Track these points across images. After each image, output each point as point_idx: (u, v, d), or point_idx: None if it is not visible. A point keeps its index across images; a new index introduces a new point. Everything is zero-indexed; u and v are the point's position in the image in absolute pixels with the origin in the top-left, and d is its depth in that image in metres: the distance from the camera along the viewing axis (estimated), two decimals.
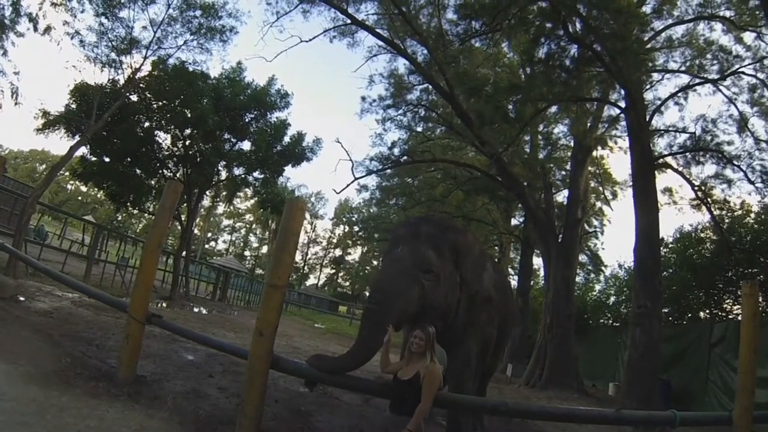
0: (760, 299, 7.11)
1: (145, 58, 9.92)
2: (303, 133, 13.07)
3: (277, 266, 3.34)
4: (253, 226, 45.51)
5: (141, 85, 10.35)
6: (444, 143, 13.56)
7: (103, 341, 4.69)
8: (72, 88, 9.63)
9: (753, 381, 3.34)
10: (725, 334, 6.88)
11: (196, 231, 36.47)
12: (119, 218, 28.28)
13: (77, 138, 9.11)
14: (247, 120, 12.17)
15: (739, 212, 9.03)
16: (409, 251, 3.29)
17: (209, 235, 48.29)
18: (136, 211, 15.29)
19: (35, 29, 8.85)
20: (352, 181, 10.46)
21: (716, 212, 8.68)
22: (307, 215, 45.95)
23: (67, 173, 12.25)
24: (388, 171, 14.37)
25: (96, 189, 14.55)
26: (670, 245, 9.73)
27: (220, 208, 40.59)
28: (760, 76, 8.18)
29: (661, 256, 8.50)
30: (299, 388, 4.65)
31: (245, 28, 26.72)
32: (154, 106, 10.69)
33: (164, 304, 9.50)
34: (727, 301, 8.37)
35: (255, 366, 3.15)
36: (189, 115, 10.49)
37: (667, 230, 23.72)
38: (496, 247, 17.27)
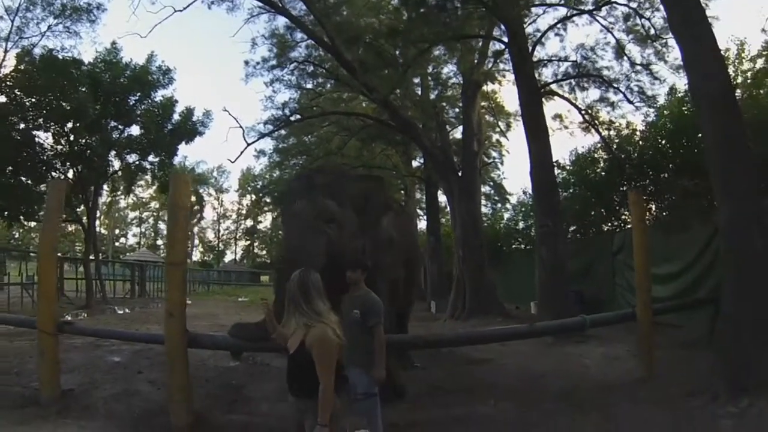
0: (653, 206, 8.09)
1: (6, 51, 8.61)
2: (192, 108, 12.66)
3: (173, 243, 3.47)
4: (160, 212, 42.42)
5: (8, 82, 9.14)
6: (335, 97, 13.54)
7: (22, 366, 4.57)
8: None
9: (649, 278, 3.91)
10: (624, 241, 7.47)
11: (102, 230, 33.29)
12: (16, 236, 24.96)
13: None
14: (131, 103, 11.38)
15: (627, 132, 9.78)
16: (309, 203, 3.33)
17: (117, 232, 44.74)
18: (33, 224, 13.99)
19: None
20: (246, 148, 10.39)
21: (604, 133, 9.50)
22: (212, 191, 43.99)
23: None
24: (283, 133, 14.27)
25: None
26: (568, 167, 10.50)
27: (122, 202, 37.44)
28: (632, 5, 8.76)
29: (560, 178, 9.55)
30: (228, 363, 4.93)
31: (114, 4, 23.16)
32: (27, 103, 9.53)
33: (84, 314, 8.98)
34: (624, 212, 9.02)
35: (172, 348, 3.23)
36: (67, 108, 9.51)
37: (563, 153, 26.37)
38: (402, 191, 17.81)
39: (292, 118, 11.92)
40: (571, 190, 9.94)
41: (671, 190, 7.48)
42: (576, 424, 3.17)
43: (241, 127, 11.15)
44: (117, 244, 43.28)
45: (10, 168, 9.64)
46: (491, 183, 17.48)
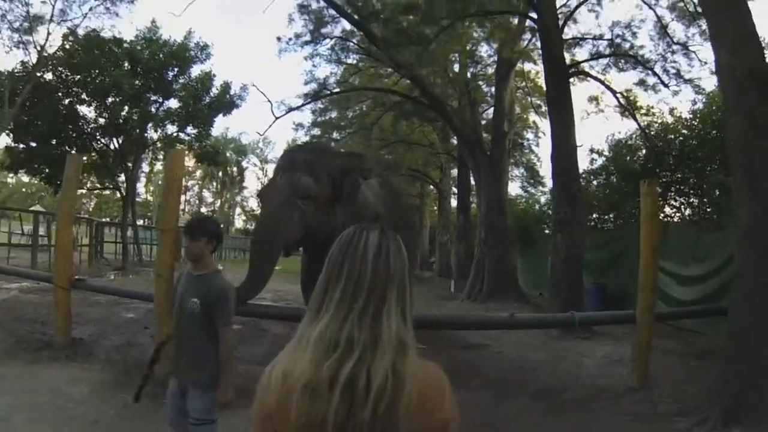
0: (694, 201, 7.55)
1: (49, 33, 9.30)
2: (229, 82, 13.11)
3: (165, 211, 3.76)
4: (205, 180, 44.37)
5: (53, 61, 9.84)
6: (372, 72, 13.43)
7: (48, 318, 4.95)
8: None
9: (654, 279, 3.57)
10: None
11: (149, 197, 35.39)
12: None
13: None
14: (169, 78, 11.88)
15: (670, 119, 9.00)
16: (287, 179, 3.45)
17: (152, 199, 47.56)
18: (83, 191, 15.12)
19: None
20: (273, 122, 10.66)
21: (643, 120, 8.69)
22: (257, 161, 45.20)
23: None
24: (322, 106, 14.53)
25: (31, 177, 14.19)
26: (604, 153, 9.96)
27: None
28: None
29: (597, 165, 9.03)
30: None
31: None
32: (71, 80, 10.23)
33: (112, 275, 9.72)
34: (662, 204, 8.59)
35: (159, 306, 3.50)
36: (106, 84, 10.14)
37: (600, 139, 24.80)
38: (440, 169, 17.72)
39: (321, 93, 11.98)
40: (604, 178, 9.34)
41: (714, 185, 6.83)
42: (547, 425, 3.02)
43: (269, 101, 11.37)
44: None
45: (56, 140, 10.50)
46: (524, 165, 16.82)
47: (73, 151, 10.65)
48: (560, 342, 5.26)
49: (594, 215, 9.86)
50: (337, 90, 12.67)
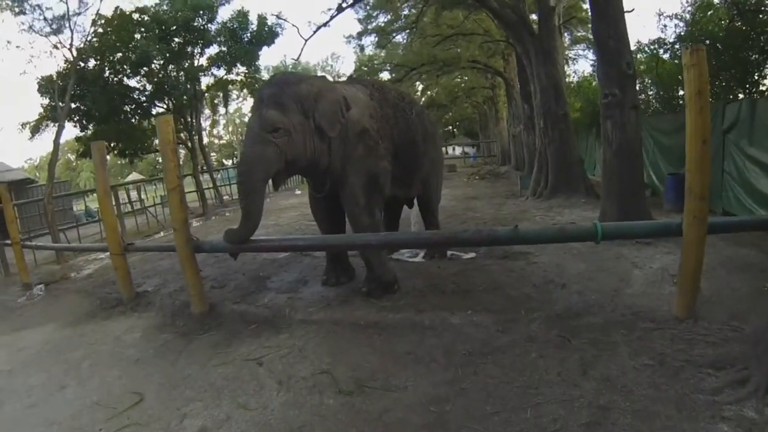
0: None
1: (72, 29, 9.61)
2: (263, 15, 12.98)
3: (166, 172, 4.02)
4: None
5: (92, 48, 10.31)
6: None
7: None
8: (38, 86, 10.20)
9: (705, 180, 2.70)
10: (739, 116, 5.56)
11: (234, 138, 37.67)
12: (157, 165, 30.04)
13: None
14: (201, 27, 12.02)
15: None
16: (257, 116, 3.47)
17: (235, 138, 50.10)
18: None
19: None
20: (304, 44, 10.20)
21: None
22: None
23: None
24: (365, 14, 14.03)
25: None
26: (684, 16, 7.81)
27: (244, 108, 40.95)
28: None
29: (676, 34, 7.10)
30: (277, 255, 5.62)
31: None
32: (113, 60, 10.84)
33: (195, 223, 10.94)
34: (756, 79, 6.69)
35: (181, 255, 3.99)
36: (143, 53, 10.56)
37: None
38: (502, 58, 15.83)
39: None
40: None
41: None
42: (541, 362, 2.56)
43: (294, 26, 10.89)
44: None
45: (117, 118, 11.44)
46: (587, 42, 14.09)
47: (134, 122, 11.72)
48: (613, 247, 4.56)
49: (666, 93, 8.21)
50: None
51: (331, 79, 4.46)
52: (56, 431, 2.53)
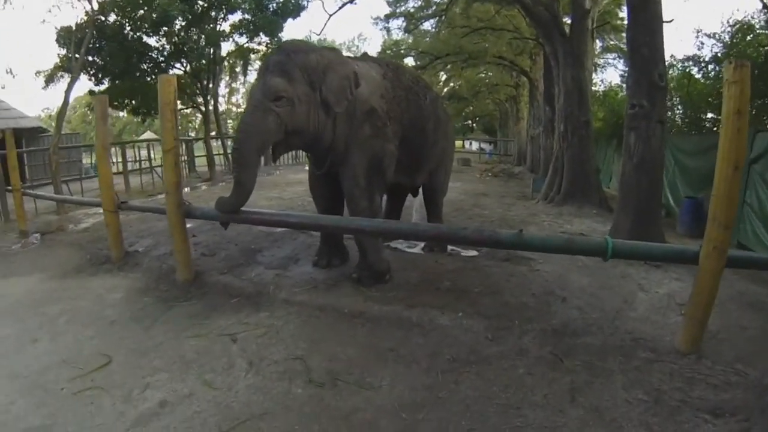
0: None
1: None
2: None
3: (163, 133, 3.90)
4: None
5: (115, 1, 10.16)
6: None
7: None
8: (56, 36, 10.03)
9: (731, 208, 2.48)
10: None
11: (241, 108, 37.64)
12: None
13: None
14: None
15: None
16: (261, 84, 3.29)
17: None
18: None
19: None
20: (327, 19, 9.99)
21: None
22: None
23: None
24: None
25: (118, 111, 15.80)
26: (722, 37, 7.44)
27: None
28: None
29: (712, 53, 6.78)
30: (254, 230, 5.45)
31: None
32: (134, 16, 10.64)
33: (204, 187, 10.84)
34: None
35: (171, 219, 3.89)
36: (163, 14, 10.32)
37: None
38: (529, 57, 15.37)
39: None
40: (713, 67, 7.17)
41: None
42: (529, 380, 2.38)
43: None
44: None
45: (132, 75, 11.27)
46: (618, 50, 13.62)
47: (150, 80, 11.54)
48: (620, 265, 4.33)
49: (694, 113, 7.91)
50: None
51: (346, 53, 4.24)
52: (19, 385, 2.44)
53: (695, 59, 8.36)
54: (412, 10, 14.95)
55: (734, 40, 7.32)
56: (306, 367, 2.53)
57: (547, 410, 2.14)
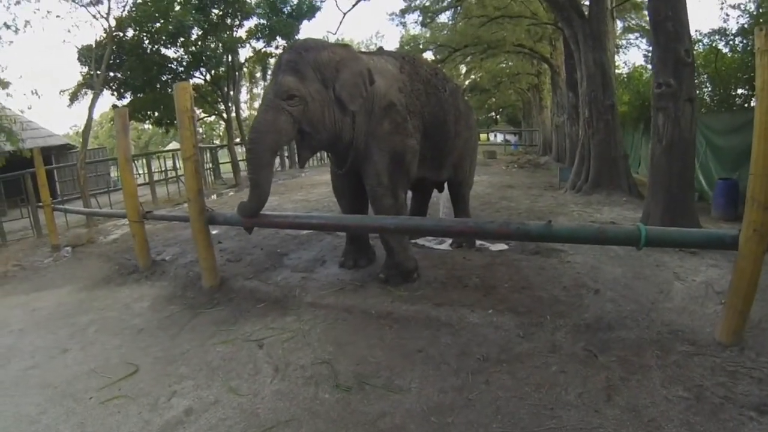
0: None
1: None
2: None
3: (182, 141, 3.92)
4: None
5: (130, 18, 10.41)
6: None
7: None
8: (78, 54, 10.39)
9: None
10: None
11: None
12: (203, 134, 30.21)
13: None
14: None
15: None
16: (273, 83, 3.27)
17: None
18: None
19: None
20: (343, 17, 9.90)
21: None
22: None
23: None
24: None
25: (141, 123, 16.13)
26: (748, 9, 6.98)
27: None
28: None
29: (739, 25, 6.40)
30: (300, 232, 5.45)
31: None
32: (152, 29, 10.85)
33: (231, 193, 10.99)
34: None
35: (194, 225, 3.91)
36: (179, 24, 10.56)
37: None
38: (549, 43, 14.94)
39: None
40: (743, 41, 6.78)
41: None
42: (562, 378, 2.25)
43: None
44: None
45: (154, 87, 11.52)
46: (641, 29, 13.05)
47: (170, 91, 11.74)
48: (654, 253, 4.12)
49: (724, 90, 7.48)
50: None
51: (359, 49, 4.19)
52: (50, 395, 2.49)
53: (722, 32, 7.92)
54: (427, 3, 14.78)
55: (761, 10, 6.86)
56: (333, 372, 2.48)
57: (582, 410, 2.01)
